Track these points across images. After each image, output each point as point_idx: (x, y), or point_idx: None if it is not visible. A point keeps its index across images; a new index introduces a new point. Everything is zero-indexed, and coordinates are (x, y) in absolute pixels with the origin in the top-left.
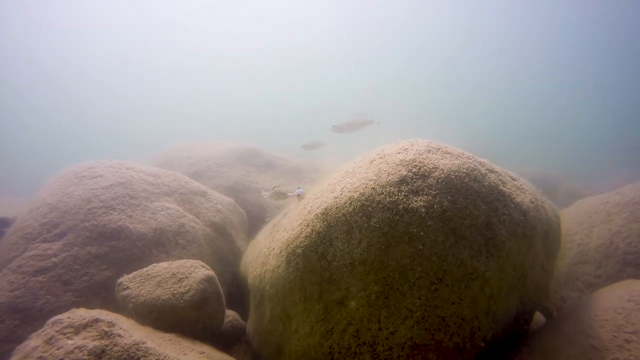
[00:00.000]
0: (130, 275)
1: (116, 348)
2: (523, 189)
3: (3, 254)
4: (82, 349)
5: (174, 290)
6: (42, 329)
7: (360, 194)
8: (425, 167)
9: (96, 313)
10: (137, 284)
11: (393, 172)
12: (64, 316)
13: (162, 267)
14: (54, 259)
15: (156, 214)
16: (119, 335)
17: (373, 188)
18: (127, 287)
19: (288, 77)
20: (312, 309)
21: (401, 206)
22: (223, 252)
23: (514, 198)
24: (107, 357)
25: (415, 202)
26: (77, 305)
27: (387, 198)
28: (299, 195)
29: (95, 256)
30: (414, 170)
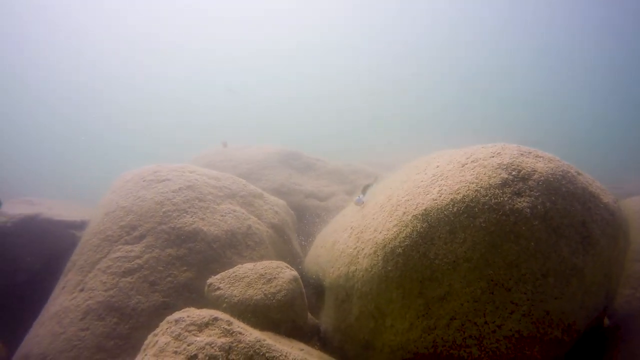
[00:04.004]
0: (219, 277)
1: (241, 345)
2: (604, 189)
3: (88, 255)
4: (213, 345)
5: (265, 290)
6: (166, 327)
7: (463, 195)
8: (524, 170)
9: (213, 312)
10: (228, 284)
11: (494, 175)
12: (183, 314)
13: (248, 268)
14: (138, 261)
15: (225, 216)
16: (240, 333)
17: (476, 190)
18: (219, 288)
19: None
20: (411, 305)
21: (507, 207)
22: (284, 253)
23: (602, 199)
24: (234, 352)
25: (520, 203)
26: (167, 305)
27: (493, 199)
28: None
29: (175, 258)
30: (514, 173)
